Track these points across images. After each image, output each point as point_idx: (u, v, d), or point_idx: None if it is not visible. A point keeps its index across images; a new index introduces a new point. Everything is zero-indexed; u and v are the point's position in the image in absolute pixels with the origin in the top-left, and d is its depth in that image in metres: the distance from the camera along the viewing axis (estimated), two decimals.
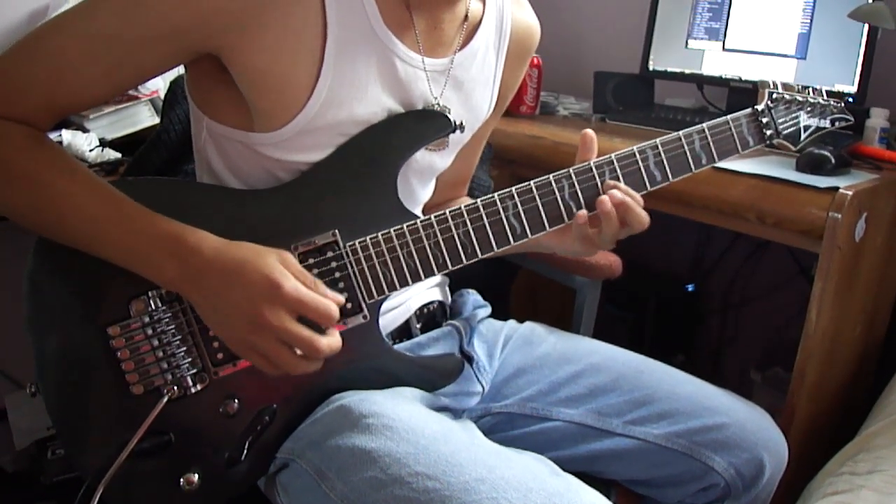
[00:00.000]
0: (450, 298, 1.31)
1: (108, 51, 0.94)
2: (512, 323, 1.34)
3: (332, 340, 0.92)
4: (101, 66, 0.95)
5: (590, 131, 1.11)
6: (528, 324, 1.34)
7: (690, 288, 2.38)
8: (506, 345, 1.28)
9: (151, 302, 0.98)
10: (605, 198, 1.05)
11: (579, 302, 1.54)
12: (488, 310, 1.34)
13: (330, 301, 0.91)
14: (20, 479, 2.03)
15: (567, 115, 2.20)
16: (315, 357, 0.92)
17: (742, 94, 1.92)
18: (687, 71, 2.07)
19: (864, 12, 1.53)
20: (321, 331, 0.91)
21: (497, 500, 0.83)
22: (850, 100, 1.72)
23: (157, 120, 1.73)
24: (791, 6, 1.83)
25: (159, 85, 1.75)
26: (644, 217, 1.07)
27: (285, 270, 0.90)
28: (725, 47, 1.98)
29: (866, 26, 1.69)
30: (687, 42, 2.05)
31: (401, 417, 0.95)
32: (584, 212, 1.07)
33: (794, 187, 1.40)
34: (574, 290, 1.56)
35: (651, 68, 2.14)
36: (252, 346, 0.91)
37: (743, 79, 1.94)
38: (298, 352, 0.91)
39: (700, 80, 2.06)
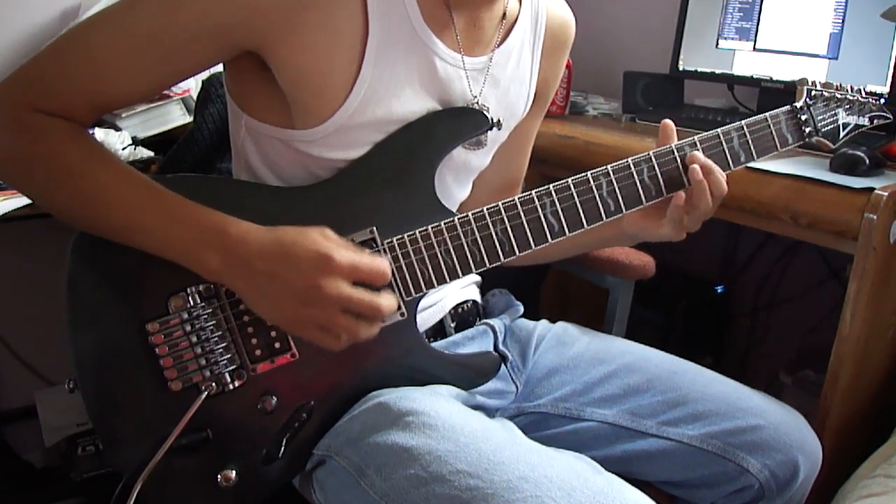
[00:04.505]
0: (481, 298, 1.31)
1: (151, 47, 0.95)
2: (544, 323, 1.33)
3: (389, 299, 0.93)
4: (143, 62, 0.96)
5: (669, 121, 1.12)
6: (560, 324, 1.33)
7: (720, 289, 2.36)
8: (539, 344, 1.28)
9: (190, 298, 0.98)
10: (695, 167, 1.07)
11: (612, 302, 1.53)
12: (521, 309, 1.34)
13: (381, 260, 0.93)
14: (49, 476, 2.05)
15: (596, 114, 2.19)
16: (375, 318, 0.93)
17: (773, 94, 1.91)
18: (717, 71, 2.05)
19: None
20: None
21: (541, 498, 0.82)
22: (883, 100, 1.70)
23: (188, 118, 1.74)
24: (823, 6, 1.81)
25: (190, 84, 1.75)
26: (723, 183, 1.08)
27: (330, 243, 0.91)
28: (756, 47, 1.96)
29: None
30: (717, 42, 2.04)
31: (440, 415, 0.94)
32: (682, 193, 1.08)
33: (829, 188, 1.39)
34: (605, 290, 1.55)
35: (681, 68, 2.12)
36: (310, 321, 0.91)
37: (774, 79, 1.92)
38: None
39: (731, 81, 2.05)
